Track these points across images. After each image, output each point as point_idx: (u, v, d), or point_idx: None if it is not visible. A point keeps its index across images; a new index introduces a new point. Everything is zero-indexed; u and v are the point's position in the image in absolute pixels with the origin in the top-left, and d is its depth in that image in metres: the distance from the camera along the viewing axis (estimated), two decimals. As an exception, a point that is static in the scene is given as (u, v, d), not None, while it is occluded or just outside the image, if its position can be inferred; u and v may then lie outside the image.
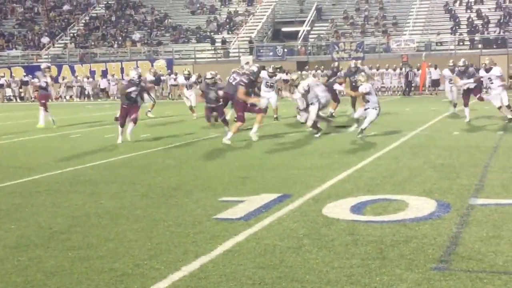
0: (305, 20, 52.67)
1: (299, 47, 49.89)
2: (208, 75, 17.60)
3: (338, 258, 6.08)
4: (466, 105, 19.88)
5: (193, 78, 26.12)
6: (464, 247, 6.35)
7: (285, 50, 48.65)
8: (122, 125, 16.95)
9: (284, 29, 54.58)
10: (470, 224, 7.31)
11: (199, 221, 7.72)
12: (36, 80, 23.05)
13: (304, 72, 40.28)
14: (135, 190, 9.95)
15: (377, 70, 42.70)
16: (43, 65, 24.28)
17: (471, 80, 19.66)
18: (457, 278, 5.48)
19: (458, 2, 51.59)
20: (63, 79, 49.78)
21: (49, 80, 22.71)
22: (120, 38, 55.29)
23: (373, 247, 6.42)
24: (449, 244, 6.49)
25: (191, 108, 24.99)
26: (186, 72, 25.97)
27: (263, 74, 21.61)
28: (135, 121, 17.01)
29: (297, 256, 6.20)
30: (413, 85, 42.18)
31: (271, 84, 22.15)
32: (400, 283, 5.40)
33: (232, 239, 6.83)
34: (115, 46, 54.28)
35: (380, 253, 6.21)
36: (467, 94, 20.02)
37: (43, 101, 22.31)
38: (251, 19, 55.16)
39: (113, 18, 59.23)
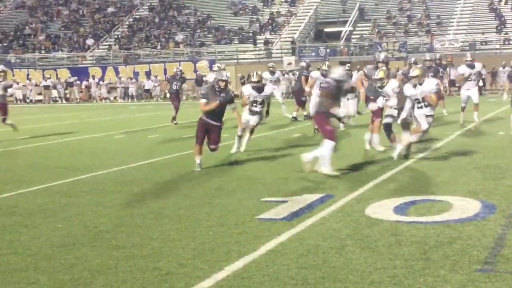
0: (347, 20, 52.42)
1: (341, 47, 49.68)
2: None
3: (381, 259, 6.06)
4: None
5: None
6: (509, 249, 6.28)
7: (328, 50, 48.47)
8: (200, 151, 12.21)
9: (326, 30, 54.39)
10: (515, 226, 7.23)
11: (242, 221, 7.76)
12: None
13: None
14: (178, 190, 10.04)
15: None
16: None
17: None
18: (503, 280, 5.42)
19: (504, 0, 50.83)
20: (103, 81, 50.36)
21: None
22: (163, 39, 55.70)
23: (417, 248, 6.38)
24: (494, 245, 6.42)
25: None
26: (216, 69, 22.26)
27: (316, 74, 19.31)
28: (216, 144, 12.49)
29: (340, 256, 6.19)
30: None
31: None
32: (444, 284, 5.36)
33: (275, 239, 6.85)
34: (158, 47, 54.71)
35: (424, 254, 6.17)
36: None
37: None
38: (293, 19, 55.08)
39: (157, 20, 59.68)
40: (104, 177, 11.51)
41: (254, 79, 14.20)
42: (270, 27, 54.49)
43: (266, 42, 51.33)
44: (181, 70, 24.19)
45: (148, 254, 6.46)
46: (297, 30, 53.18)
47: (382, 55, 16.15)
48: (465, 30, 48.89)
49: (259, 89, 14.14)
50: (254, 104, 14.21)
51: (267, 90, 14.51)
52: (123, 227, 7.63)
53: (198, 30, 56.50)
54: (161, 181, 10.88)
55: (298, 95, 22.48)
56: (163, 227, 7.58)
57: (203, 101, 12.17)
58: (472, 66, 19.26)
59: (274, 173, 11.38)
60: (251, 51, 51.82)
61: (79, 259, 6.35)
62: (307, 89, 19.81)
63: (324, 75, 18.59)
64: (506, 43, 46.03)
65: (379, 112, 13.62)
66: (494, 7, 50.12)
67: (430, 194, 9.11)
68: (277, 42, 51.89)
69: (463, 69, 19.46)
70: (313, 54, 48.09)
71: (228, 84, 12.59)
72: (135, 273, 5.87)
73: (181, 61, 50.12)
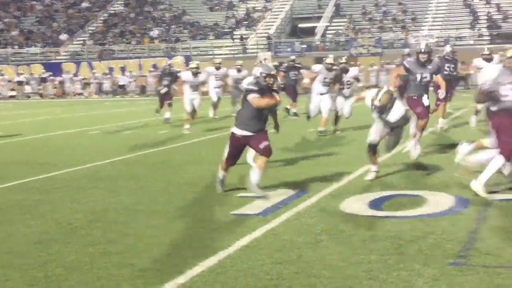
0: (322, 16, 52.54)
1: (317, 43, 49.78)
2: None
3: (356, 254, 6.09)
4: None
5: (203, 76, 19.01)
6: (482, 243, 6.34)
7: (303, 46, 48.52)
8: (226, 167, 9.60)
9: (301, 25, 54.44)
10: (488, 220, 7.30)
11: (217, 217, 7.76)
12: None
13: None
14: (153, 186, 10.01)
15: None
16: None
17: None
18: (475, 273, 5.47)
19: (477, -4, 51.27)
20: (77, 77, 49.98)
21: None
22: (139, 34, 55.44)
23: (391, 242, 6.42)
24: (467, 239, 6.48)
25: (191, 114, 18.46)
26: (194, 66, 18.61)
27: (319, 67, 17.14)
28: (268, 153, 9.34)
29: (315, 251, 6.21)
30: None
31: (330, 82, 16.68)
32: (418, 278, 5.40)
33: (250, 234, 6.85)
34: (133, 42, 54.41)
35: (398, 249, 6.21)
36: None
37: None
38: (269, 15, 55.10)
39: (132, 15, 59.35)
40: (78, 173, 11.43)
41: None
42: (245, 22, 54.45)
43: (242, 38, 51.31)
44: (170, 64, 23.76)
45: (123, 250, 6.44)
46: (273, 25, 53.18)
47: (422, 44, 12.67)
48: (440, 26, 49.21)
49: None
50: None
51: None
52: (98, 223, 7.59)
53: (174, 26, 56.28)
54: (136, 177, 10.83)
55: (290, 91, 22.33)
56: (138, 223, 7.55)
57: (256, 95, 9.05)
58: (489, 61, 17.24)
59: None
60: (226, 46, 51.71)
61: (53, 256, 6.31)
62: (305, 80, 18.06)
63: (329, 69, 16.57)
64: (480, 38, 46.40)
65: (426, 113, 12.21)
66: (468, 3, 50.50)
67: (404, 189, 9.17)
68: (253, 37, 51.87)
69: (479, 63, 17.54)
70: (289, 49, 48.09)
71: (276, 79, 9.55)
72: (110, 269, 5.85)
73: (156, 57, 49.89)
